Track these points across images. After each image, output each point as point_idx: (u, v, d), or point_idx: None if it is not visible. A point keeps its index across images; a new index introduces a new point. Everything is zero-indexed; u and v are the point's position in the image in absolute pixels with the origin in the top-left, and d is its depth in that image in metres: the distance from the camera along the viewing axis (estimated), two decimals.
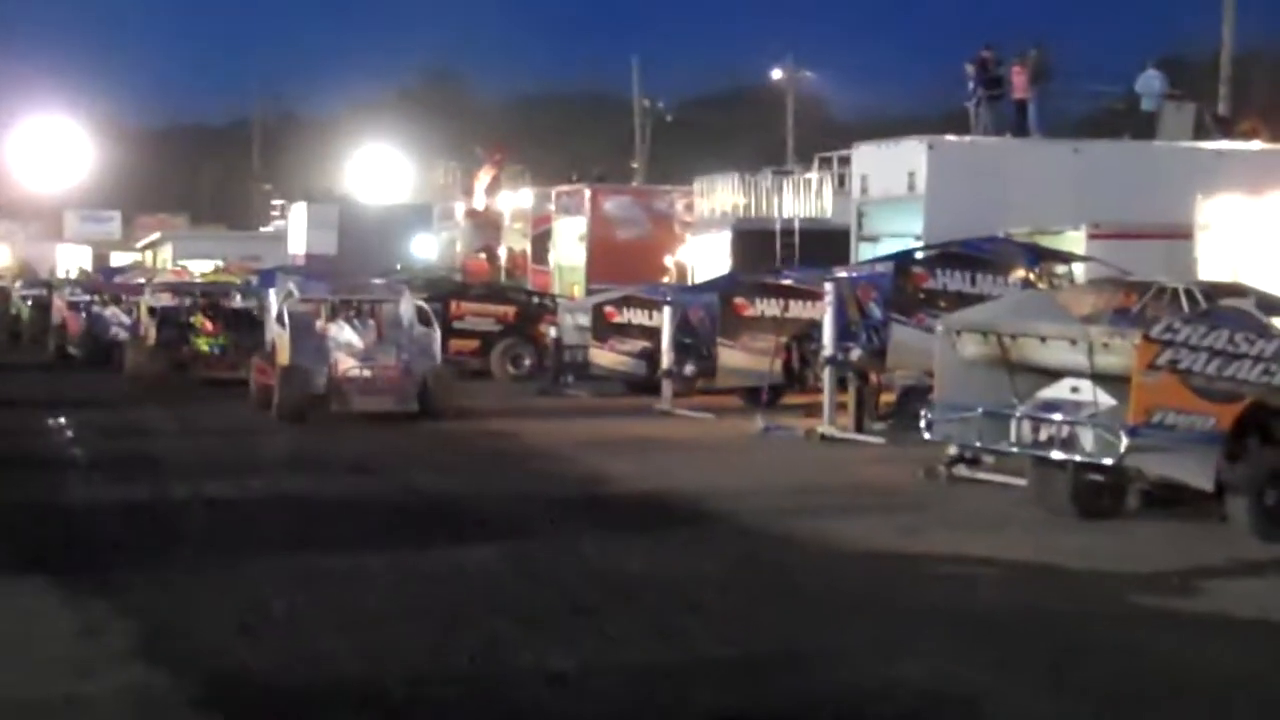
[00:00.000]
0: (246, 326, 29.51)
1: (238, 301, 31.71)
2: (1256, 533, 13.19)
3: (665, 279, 39.97)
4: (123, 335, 33.32)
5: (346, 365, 22.66)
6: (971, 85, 31.99)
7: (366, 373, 22.67)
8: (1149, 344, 13.04)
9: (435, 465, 18.07)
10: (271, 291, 25.77)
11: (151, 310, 30.96)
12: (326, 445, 19.82)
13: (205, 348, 29.45)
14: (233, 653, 9.33)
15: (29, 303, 45.21)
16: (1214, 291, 14.38)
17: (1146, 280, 15.01)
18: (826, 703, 8.46)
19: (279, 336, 23.79)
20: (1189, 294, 14.27)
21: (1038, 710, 8.38)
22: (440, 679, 8.91)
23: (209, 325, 29.94)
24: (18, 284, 50.03)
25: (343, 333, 23.56)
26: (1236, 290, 14.61)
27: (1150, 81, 34.57)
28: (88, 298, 37.64)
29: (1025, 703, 8.49)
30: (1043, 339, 14.08)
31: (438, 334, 24.05)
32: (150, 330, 30.54)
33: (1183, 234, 25.71)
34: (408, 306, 24.62)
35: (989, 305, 16.99)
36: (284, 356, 23.12)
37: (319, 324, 23.94)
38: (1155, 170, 29.94)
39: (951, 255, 21.31)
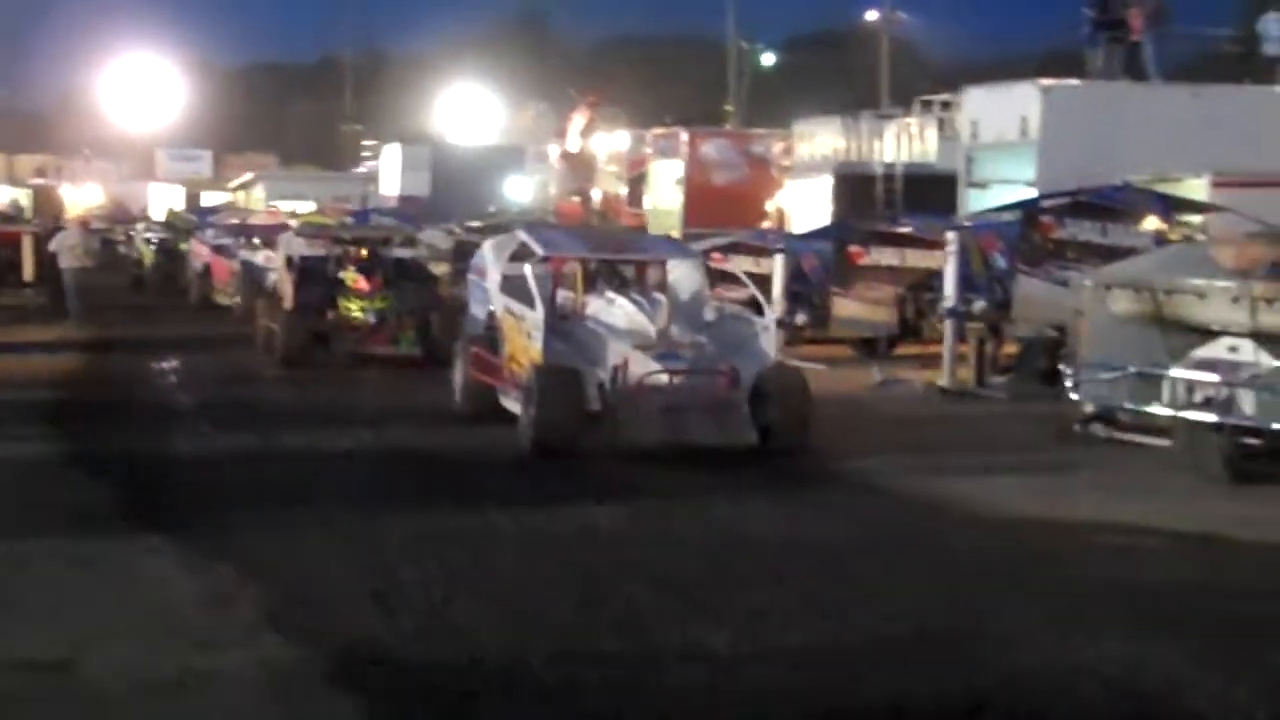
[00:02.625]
0: (412, 285, 22.95)
1: (400, 251, 24.68)
2: None
3: (764, 224, 39.33)
4: None
5: (642, 368, 14.61)
6: (1088, 27, 31.03)
7: (674, 379, 14.63)
8: None
9: None
10: (487, 245, 18.00)
11: (289, 261, 23.60)
12: (440, 393, 17.81)
13: (357, 313, 22.21)
14: (366, 624, 8.82)
15: (153, 245, 41.13)
16: None
17: None
18: (1007, 691, 7.84)
19: (514, 320, 15.90)
20: None
21: (1246, 705, 7.71)
22: (585, 656, 8.36)
23: (363, 283, 22.50)
24: (140, 226, 47.44)
25: (615, 312, 15.57)
26: None
27: (1270, 25, 33.52)
28: (228, 241, 32.98)
29: (1228, 696, 7.82)
30: (1200, 295, 13.34)
31: (770, 319, 15.92)
32: (287, 287, 22.99)
33: None
34: (695, 274, 16.73)
35: (1140, 259, 16.23)
36: (532, 351, 15.15)
37: (564, 296, 16.19)
38: (1278, 116, 28.99)
39: (1081, 204, 20.56)
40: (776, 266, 23.77)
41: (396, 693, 7.76)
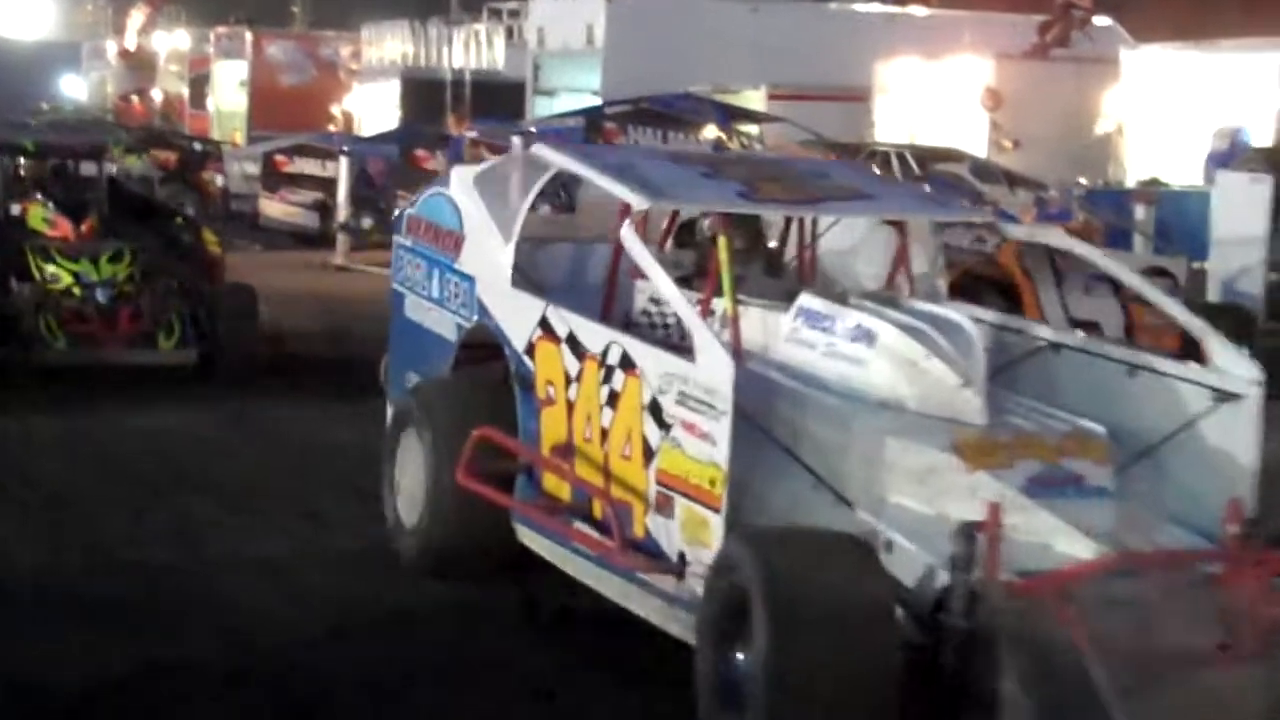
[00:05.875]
0: (152, 233, 13.43)
1: (130, 164, 15.13)
2: None
3: (332, 128, 38.84)
4: None
5: (1045, 534, 5.70)
6: None
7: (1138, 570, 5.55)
8: None
9: None
10: (460, 178, 8.21)
11: None
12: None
13: (67, 282, 12.19)
14: None
15: None
16: (928, 156, 14.13)
17: (857, 142, 14.73)
18: None
19: (584, 364, 6.72)
20: (901, 157, 13.99)
21: None
22: (129, 567, 8.02)
23: (67, 227, 12.96)
24: None
25: (840, 348, 6.55)
26: (951, 155, 14.39)
27: None
28: None
29: None
30: None
31: (1250, 372, 6.23)
32: None
33: (858, 96, 25.84)
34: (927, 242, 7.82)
35: None
36: (673, 462, 6.05)
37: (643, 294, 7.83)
38: (830, 32, 30.05)
39: (643, 111, 20.88)
40: (342, 169, 23.43)
41: None
